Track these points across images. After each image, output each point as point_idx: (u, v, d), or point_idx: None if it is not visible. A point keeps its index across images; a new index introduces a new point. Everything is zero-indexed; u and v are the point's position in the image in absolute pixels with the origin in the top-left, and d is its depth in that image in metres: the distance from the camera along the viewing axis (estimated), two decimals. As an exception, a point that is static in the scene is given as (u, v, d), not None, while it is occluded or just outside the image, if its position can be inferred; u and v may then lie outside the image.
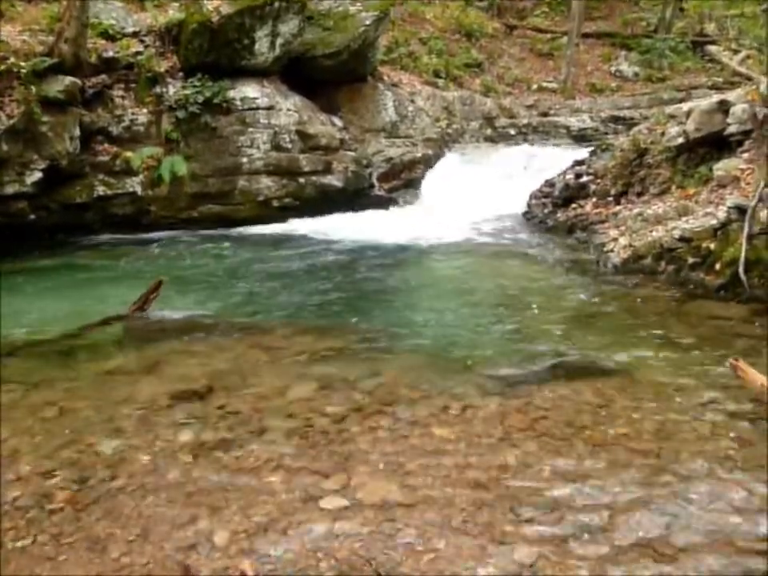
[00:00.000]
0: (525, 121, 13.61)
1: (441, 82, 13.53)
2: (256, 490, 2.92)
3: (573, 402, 3.82)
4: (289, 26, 9.98)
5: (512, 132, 13.40)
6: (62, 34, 8.68)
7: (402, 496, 2.86)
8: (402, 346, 4.82)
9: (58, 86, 8.50)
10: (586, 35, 16.24)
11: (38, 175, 8.44)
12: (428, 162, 11.54)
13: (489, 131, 13.35)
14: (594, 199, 8.69)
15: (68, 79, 8.60)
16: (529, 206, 9.88)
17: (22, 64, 8.23)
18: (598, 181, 8.88)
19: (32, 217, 8.61)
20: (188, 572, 2.28)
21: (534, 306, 5.76)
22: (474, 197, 10.03)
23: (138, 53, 9.49)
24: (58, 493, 2.91)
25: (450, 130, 12.61)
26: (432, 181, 11.22)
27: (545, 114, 13.90)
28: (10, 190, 8.30)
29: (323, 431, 3.45)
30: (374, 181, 11.00)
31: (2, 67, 8.09)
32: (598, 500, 2.84)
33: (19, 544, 2.58)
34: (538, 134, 13.43)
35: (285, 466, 3.12)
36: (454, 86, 13.74)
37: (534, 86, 14.86)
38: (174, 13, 10.21)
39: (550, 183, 9.82)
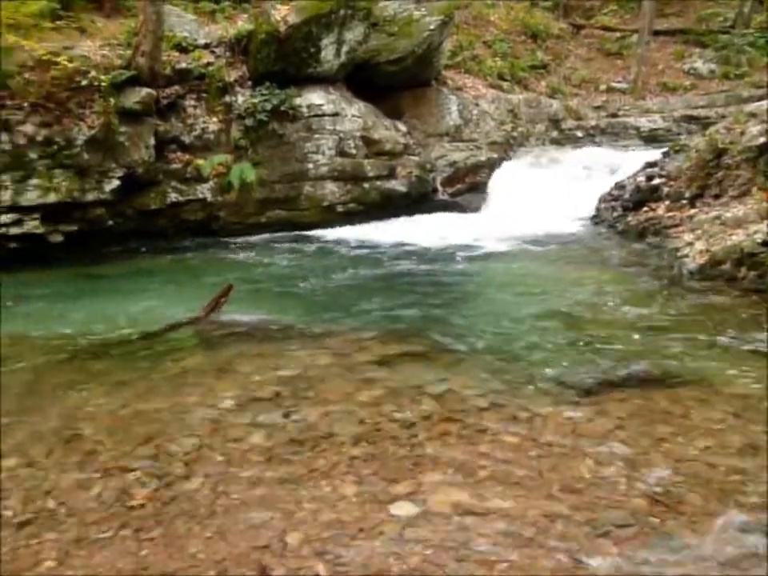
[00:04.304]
0: (592, 122, 13.31)
1: (506, 84, 13.39)
2: (326, 494, 2.94)
3: (648, 412, 3.69)
4: (354, 33, 10.09)
5: (579, 134, 13.13)
6: (138, 47, 9.06)
7: (473, 504, 2.83)
8: (470, 352, 4.77)
9: (134, 97, 8.88)
10: (657, 33, 15.73)
11: (115, 183, 8.82)
12: (493, 166, 11.43)
13: (555, 134, 13.12)
14: (667, 202, 8.39)
15: (144, 91, 8.96)
16: (597, 209, 9.64)
17: (102, 77, 8.65)
18: (671, 183, 8.57)
19: (110, 223, 8.99)
20: (264, 571, 2.32)
21: (605, 312, 5.60)
22: (540, 200, 9.86)
23: (209, 63, 9.81)
24: (138, 490, 3.01)
25: (515, 133, 12.45)
26: (497, 184, 11.10)
27: (614, 115, 13.56)
28: (90, 197, 8.71)
29: (392, 436, 3.44)
30: (438, 185, 10.98)
31: (84, 81, 8.51)
32: (677, 516, 2.73)
33: (101, 536, 2.69)
34: (607, 135, 13.10)
35: (354, 471, 3.13)
36: (519, 89, 13.58)
37: (603, 87, 14.51)
38: (243, 24, 10.50)
39: (619, 186, 9.55)
